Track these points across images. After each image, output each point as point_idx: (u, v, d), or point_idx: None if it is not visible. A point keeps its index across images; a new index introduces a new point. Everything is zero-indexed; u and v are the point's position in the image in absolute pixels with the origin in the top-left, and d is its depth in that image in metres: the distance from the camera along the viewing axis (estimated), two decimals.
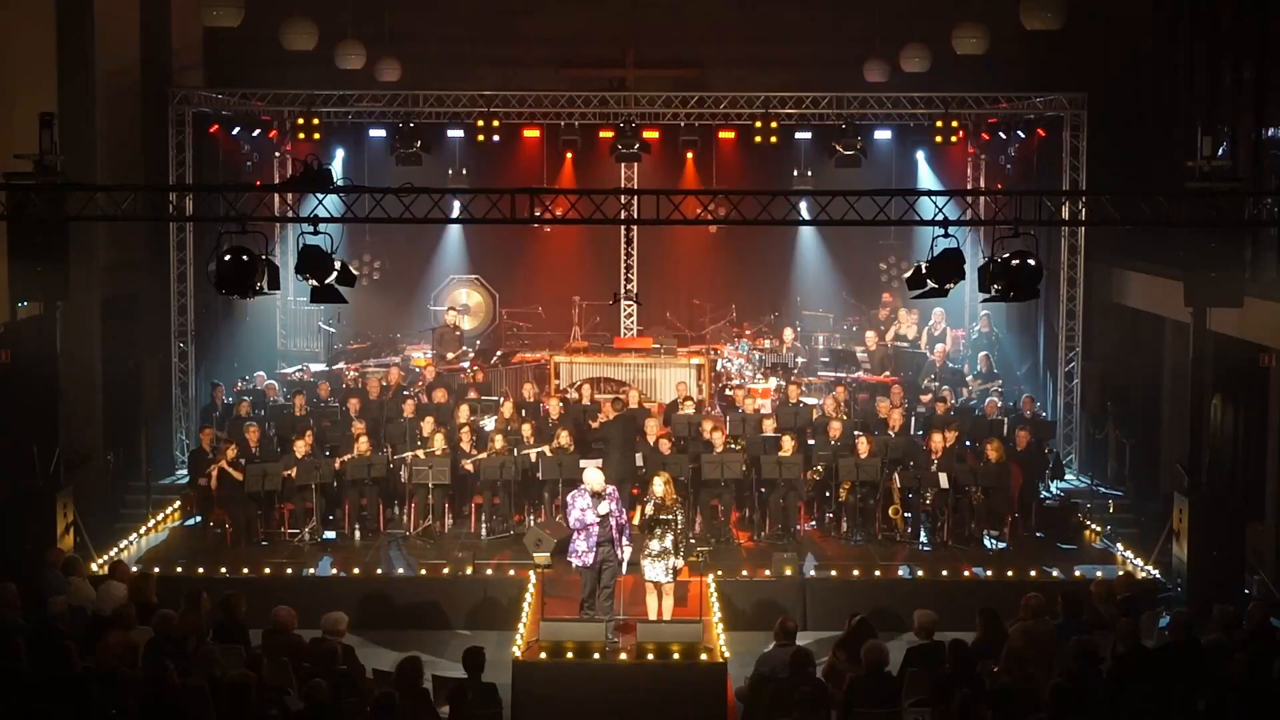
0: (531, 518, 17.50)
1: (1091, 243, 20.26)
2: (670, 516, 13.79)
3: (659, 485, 13.89)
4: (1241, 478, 17.04)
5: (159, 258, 20.33)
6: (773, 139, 21.81)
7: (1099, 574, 15.45)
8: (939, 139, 22.09)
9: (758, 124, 21.49)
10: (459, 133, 22.58)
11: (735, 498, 17.42)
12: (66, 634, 12.02)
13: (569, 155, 23.58)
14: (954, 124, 21.73)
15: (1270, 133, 16.48)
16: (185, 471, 19.00)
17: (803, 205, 15.96)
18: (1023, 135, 21.77)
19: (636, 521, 14.08)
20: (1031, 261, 12.83)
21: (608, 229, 23.10)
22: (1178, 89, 19.10)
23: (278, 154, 23.51)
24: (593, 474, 14.17)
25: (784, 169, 23.65)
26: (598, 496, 13.81)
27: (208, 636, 12.12)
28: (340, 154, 23.43)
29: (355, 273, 13.68)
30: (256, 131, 22.23)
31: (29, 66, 17.42)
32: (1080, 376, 20.20)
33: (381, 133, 22.65)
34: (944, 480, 16.99)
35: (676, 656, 12.93)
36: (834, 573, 16.00)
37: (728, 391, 21.23)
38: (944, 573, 16.03)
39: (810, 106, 21.23)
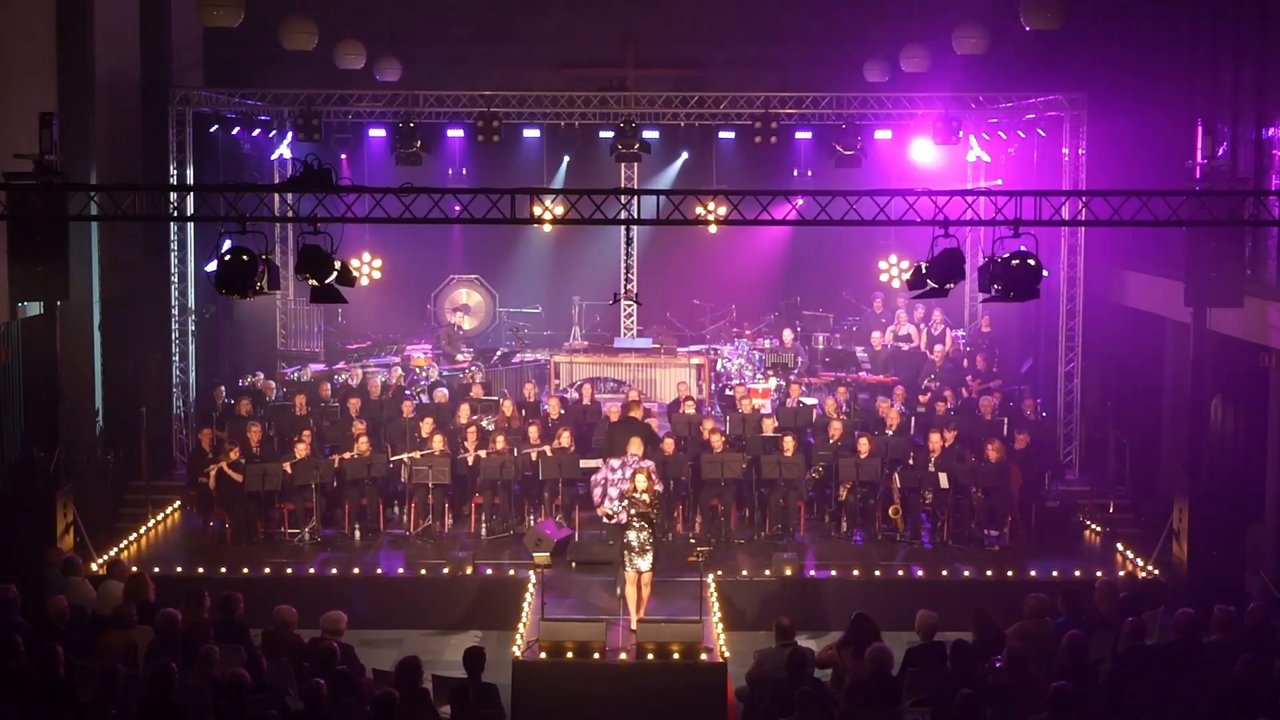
0: (532, 518, 17.51)
1: (1091, 243, 20.25)
2: (648, 510, 13.86)
3: (639, 480, 14.05)
4: (1241, 478, 17.02)
5: (158, 258, 20.31)
6: (773, 139, 21.81)
7: (1099, 574, 15.46)
8: (939, 139, 22.07)
9: (758, 124, 21.48)
10: (459, 133, 22.57)
11: (735, 498, 17.42)
12: (66, 634, 12.03)
13: (568, 155, 23.56)
14: (953, 124, 21.72)
15: (1270, 133, 16.46)
16: (185, 471, 18.99)
17: (802, 205, 15.96)
18: (1023, 135, 21.76)
19: (624, 518, 14.17)
20: (1031, 261, 12.83)
21: (608, 229, 23.09)
22: (1178, 89, 19.07)
23: (277, 154, 23.49)
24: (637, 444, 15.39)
25: (784, 169, 23.64)
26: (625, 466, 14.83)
27: (208, 636, 12.12)
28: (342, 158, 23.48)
29: (355, 273, 13.68)
30: (256, 131, 22.21)
31: (29, 66, 17.40)
32: (1080, 376, 20.18)
33: (381, 133, 22.64)
34: (944, 480, 16.99)
35: (676, 656, 12.94)
36: (834, 573, 16.02)
37: (728, 391, 21.22)
38: (944, 573, 16.05)
39: (810, 106, 21.22)
